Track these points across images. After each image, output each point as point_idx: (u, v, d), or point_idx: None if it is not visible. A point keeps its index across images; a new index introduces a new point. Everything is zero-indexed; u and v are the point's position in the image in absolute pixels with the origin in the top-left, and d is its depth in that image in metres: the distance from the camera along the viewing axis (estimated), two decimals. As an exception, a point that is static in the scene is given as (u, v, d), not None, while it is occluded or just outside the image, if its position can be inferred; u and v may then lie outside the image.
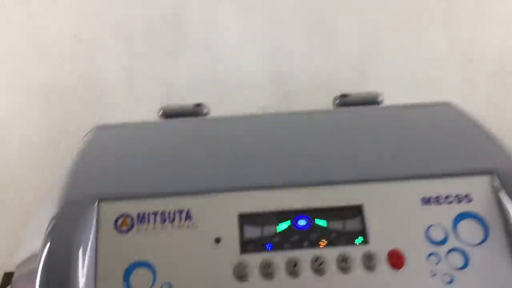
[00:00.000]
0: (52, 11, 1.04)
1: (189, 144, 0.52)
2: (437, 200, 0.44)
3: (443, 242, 0.43)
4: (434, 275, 0.42)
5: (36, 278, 0.41)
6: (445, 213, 0.44)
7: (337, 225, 0.44)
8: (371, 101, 0.61)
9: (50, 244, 0.42)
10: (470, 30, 1.00)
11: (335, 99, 0.63)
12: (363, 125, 0.55)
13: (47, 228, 0.43)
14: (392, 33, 1.00)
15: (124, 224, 0.44)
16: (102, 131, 0.56)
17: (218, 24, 1.01)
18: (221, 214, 0.44)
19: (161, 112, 0.62)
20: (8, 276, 0.50)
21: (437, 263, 0.42)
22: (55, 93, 1.01)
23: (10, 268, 0.48)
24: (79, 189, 0.46)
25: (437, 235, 0.43)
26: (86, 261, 0.42)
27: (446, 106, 0.57)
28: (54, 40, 1.06)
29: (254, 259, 0.42)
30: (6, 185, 1.04)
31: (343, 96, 0.63)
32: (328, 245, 0.43)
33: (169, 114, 0.61)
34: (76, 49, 1.05)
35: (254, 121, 0.58)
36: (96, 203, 0.44)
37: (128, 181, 0.46)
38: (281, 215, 0.44)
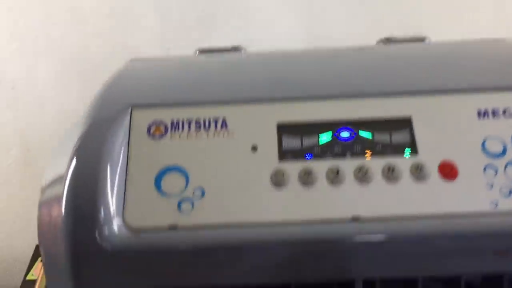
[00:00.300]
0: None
1: (227, 64, 0.50)
2: (495, 113, 0.41)
3: (501, 154, 0.39)
4: (492, 186, 0.38)
5: (63, 190, 0.39)
6: (504, 127, 0.40)
7: (383, 137, 0.41)
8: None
9: (77, 160, 0.40)
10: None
11: (378, 41, 0.60)
12: (413, 48, 0.51)
13: (74, 146, 0.41)
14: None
15: (157, 131, 0.42)
16: (137, 62, 0.54)
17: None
18: (258, 123, 0.41)
19: (197, 52, 0.61)
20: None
21: (494, 175, 0.38)
22: (90, 63, 1.02)
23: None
24: (111, 101, 0.44)
25: (495, 148, 0.39)
26: (116, 167, 0.40)
27: (502, 42, 0.53)
28: (91, 10, 1.08)
29: (293, 167, 0.40)
30: (43, 154, 1.05)
31: (387, 39, 0.60)
32: (373, 156, 0.40)
33: (206, 52, 0.59)
34: (110, 21, 1.06)
35: (295, 52, 0.55)
36: (129, 110, 0.42)
37: (163, 91, 0.44)
38: (323, 126, 0.41)
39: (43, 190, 0.41)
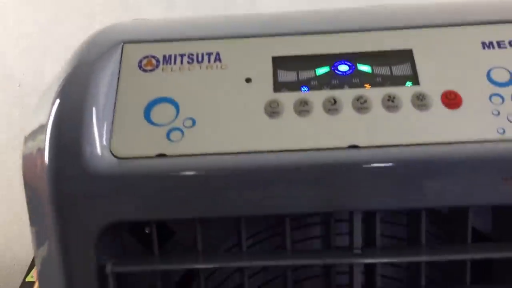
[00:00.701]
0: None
1: (221, 15, 0.49)
2: (500, 44, 0.39)
3: (508, 83, 0.37)
4: (499, 114, 0.36)
5: (48, 120, 0.37)
6: (510, 57, 0.38)
7: (383, 70, 0.39)
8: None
9: (62, 94, 0.38)
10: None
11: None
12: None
13: (61, 82, 0.39)
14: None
15: (148, 64, 0.40)
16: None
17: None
18: (253, 57, 0.40)
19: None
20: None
21: (501, 103, 0.36)
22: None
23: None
24: (101, 41, 0.43)
25: (501, 77, 0.37)
26: (104, 99, 0.38)
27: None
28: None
29: (289, 97, 0.38)
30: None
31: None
32: (372, 87, 0.38)
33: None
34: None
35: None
36: (120, 46, 0.41)
37: (156, 30, 0.43)
38: (319, 59, 0.39)
39: (29, 125, 0.40)
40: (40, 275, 0.40)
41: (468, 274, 0.37)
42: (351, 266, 0.37)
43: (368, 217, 0.38)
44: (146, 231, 0.40)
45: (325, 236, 0.42)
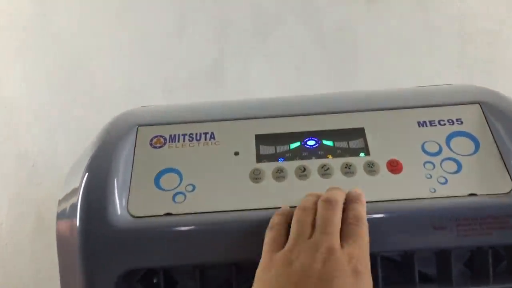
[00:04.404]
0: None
1: (215, 102, 0.60)
2: (432, 123, 0.50)
3: (437, 153, 0.48)
4: (430, 177, 0.46)
5: (79, 190, 0.47)
6: (439, 132, 0.49)
7: (342, 144, 0.50)
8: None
9: (90, 170, 0.48)
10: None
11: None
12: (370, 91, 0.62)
13: (88, 159, 0.50)
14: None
15: (158, 142, 0.51)
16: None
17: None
18: (240, 135, 0.51)
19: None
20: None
21: (432, 168, 0.47)
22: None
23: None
24: (119, 125, 0.54)
25: (432, 148, 0.48)
26: (123, 171, 0.48)
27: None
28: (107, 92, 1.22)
29: (268, 167, 0.48)
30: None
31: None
32: (334, 157, 0.48)
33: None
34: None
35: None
36: (136, 128, 0.52)
37: (163, 114, 0.54)
38: (292, 136, 0.50)
39: (62, 192, 0.49)
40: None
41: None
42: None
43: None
44: (154, 281, 0.49)
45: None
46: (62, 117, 1.21)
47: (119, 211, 0.46)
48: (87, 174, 0.47)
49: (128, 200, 0.47)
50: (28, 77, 1.23)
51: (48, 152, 1.22)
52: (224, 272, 0.48)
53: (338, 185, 0.46)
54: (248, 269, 0.46)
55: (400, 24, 1.16)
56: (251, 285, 0.39)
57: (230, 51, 1.19)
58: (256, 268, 0.40)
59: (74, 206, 0.46)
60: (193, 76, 1.20)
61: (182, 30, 1.21)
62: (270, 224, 0.43)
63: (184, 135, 0.51)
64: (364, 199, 0.43)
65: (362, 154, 0.48)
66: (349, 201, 0.43)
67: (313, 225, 0.40)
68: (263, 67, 1.19)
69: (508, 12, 1.13)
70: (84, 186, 0.46)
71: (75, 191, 0.47)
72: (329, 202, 0.41)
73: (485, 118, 0.49)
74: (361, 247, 0.39)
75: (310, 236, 0.40)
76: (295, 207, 0.45)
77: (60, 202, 0.48)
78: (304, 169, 0.48)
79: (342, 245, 0.39)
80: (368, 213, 0.44)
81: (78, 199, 0.46)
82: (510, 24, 1.11)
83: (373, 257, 0.45)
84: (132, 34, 1.23)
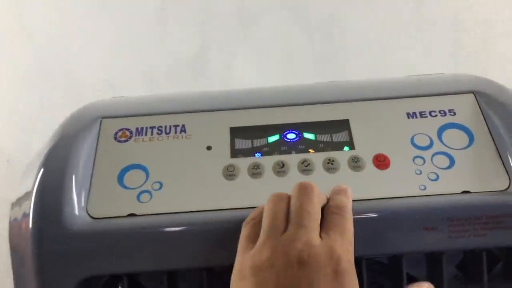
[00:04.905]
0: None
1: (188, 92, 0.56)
2: (422, 114, 0.46)
3: (428, 147, 0.44)
4: (420, 173, 0.42)
5: (33, 187, 0.43)
6: (430, 124, 0.45)
7: (325, 138, 0.45)
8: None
9: (45, 166, 0.43)
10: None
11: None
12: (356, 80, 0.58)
13: (44, 154, 0.45)
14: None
15: (123, 136, 0.46)
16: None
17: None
18: (213, 128, 0.46)
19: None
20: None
21: (422, 164, 0.43)
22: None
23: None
24: (83, 113, 0.49)
25: (422, 142, 0.44)
26: (82, 168, 0.44)
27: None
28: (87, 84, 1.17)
29: (244, 162, 0.44)
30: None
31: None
32: (315, 152, 0.44)
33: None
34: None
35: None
36: (99, 121, 0.47)
37: (130, 106, 0.50)
38: (271, 129, 0.46)
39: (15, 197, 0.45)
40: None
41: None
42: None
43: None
44: (119, 287, 0.44)
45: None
46: (37, 111, 1.16)
47: (76, 212, 0.41)
48: (42, 171, 0.43)
49: (87, 200, 0.42)
50: (2, 70, 1.18)
51: (23, 147, 1.17)
52: (197, 276, 0.44)
53: (320, 182, 0.42)
54: (222, 273, 0.42)
55: (392, 13, 1.11)
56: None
57: (214, 40, 1.15)
58: (231, 272, 0.36)
59: (27, 207, 0.41)
60: (175, 67, 1.16)
61: (165, 19, 1.16)
62: (247, 218, 0.38)
63: (152, 128, 0.47)
64: (350, 193, 0.39)
65: (346, 148, 0.44)
66: (332, 194, 0.38)
67: (288, 217, 0.35)
68: (249, 57, 1.15)
69: (503, 2, 1.09)
70: (39, 184, 0.42)
71: (28, 191, 0.42)
72: (304, 188, 0.36)
73: (480, 108, 0.45)
74: (345, 240, 0.34)
75: (285, 230, 0.35)
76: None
77: (13, 205, 0.43)
78: (283, 165, 0.43)
79: (322, 237, 0.34)
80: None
81: (31, 199, 0.41)
82: (505, 15, 1.08)
83: (357, 260, 0.41)
84: (112, 22, 1.18)
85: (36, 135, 1.17)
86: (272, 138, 0.46)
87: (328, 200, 0.37)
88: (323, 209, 0.36)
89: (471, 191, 0.41)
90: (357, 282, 0.33)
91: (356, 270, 0.34)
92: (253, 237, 0.35)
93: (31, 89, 1.14)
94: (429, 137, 0.44)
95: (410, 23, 1.11)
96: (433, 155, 0.43)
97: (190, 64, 1.15)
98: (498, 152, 0.43)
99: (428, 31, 1.07)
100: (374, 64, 1.10)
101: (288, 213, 0.35)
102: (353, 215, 0.37)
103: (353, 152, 0.44)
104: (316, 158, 0.44)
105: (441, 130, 0.45)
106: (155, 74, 1.16)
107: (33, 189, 0.42)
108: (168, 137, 0.46)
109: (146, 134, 0.46)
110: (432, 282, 0.42)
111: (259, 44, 1.15)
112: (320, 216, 0.35)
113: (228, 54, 1.15)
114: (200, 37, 1.15)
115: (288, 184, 0.42)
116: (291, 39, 1.14)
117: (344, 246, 0.33)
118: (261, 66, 1.15)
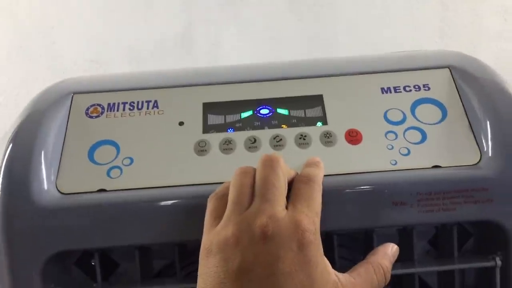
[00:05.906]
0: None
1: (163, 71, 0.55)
2: (396, 89, 0.45)
3: (400, 122, 0.43)
4: (392, 148, 0.42)
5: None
6: (404, 99, 0.45)
7: (298, 113, 0.45)
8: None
9: (14, 141, 0.42)
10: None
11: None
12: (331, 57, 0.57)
13: (14, 129, 0.44)
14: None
15: (94, 111, 0.46)
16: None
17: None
18: (186, 103, 0.46)
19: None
20: None
21: (394, 139, 0.42)
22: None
23: None
24: (54, 89, 0.48)
25: (395, 117, 0.44)
26: (52, 143, 0.43)
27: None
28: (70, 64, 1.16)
29: (215, 138, 0.44)
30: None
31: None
32: (288, 127, 0.44)
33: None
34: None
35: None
36: (71, 96, 0.47)
37: (103, 81, 0.49)
38: (244, 105, 0.46)
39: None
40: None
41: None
42: None
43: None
44: (92, 263, 0.44)
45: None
46: (22, 91, 1.15)
47: (46, 187, 0.41)
48: (10, 146, 0.42)
49: (57, 175, 0.42)
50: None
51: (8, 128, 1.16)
52: (169, 254, 0.44)
53: (291, 157, 0.41)
54: (194, 249, 0.42)
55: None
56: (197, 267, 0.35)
57: (200, 18, 1.13)
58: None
59: (-5, 182, 0.41)
60: (161, 45, 1.14)
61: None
62: (211, 194, 0.37)
63: (124, 103, 0.46)
64: (322, 166, 0.38)
65: (319, 124, 0.44)
66: (304, 166, 0.38)
67: (253, 191, 0.35)
68: (235, 36, 1.13)
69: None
70: (7, 160, 0.41)
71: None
72: (268, 160, 0.35)
73: (455, 83, 0.45)
74: (311, 212, 0.33)
75: (250, 204, 0.34)
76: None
77: None
78: (255, 140, 0.43)
79: (288, 209, 0.33)
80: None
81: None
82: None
83: (328, 236, 0.41)
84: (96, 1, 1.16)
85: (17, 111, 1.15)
86: (245, 114, 0.45)
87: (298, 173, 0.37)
88: (291, 182, 0.36)
89: (441, 165, 0.41)
90: (322, 253, 0.33)
91: (327, 245, 0.34)
92: (218, 212, 0.35)
93: (14, 69, 1.13)
94: (402, 112, 0.44)
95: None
96: (405, 130, 0.43)
97: (177, 42, 1.14)
98: (471, 127, 0.42)
99: (416, 5, 1.06)
100: (364, 40, 1.09)
101: (254, 187, 0.35)
102: (323, 190, 0.37)
103: (325, 128, 0.43)
104: (289, 133, 0.43)
105: (414, 105, 0.44)
106: (142, 53, 1.15)
107: (1, 165, 0.41)
108: (140, 112, 0.45)
109: (118, 110, 0.46)
110: (403, 257, 0.42)
111: (246, 22, 1.13)
112: (286, 188, 0.35)
113: (215, 33, 1.14)
114: (187, 15, 1.14)
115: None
116: (279, 16, 1.13)
117: (310, 217, 0.33)
118: (249, 45, 1.13)
